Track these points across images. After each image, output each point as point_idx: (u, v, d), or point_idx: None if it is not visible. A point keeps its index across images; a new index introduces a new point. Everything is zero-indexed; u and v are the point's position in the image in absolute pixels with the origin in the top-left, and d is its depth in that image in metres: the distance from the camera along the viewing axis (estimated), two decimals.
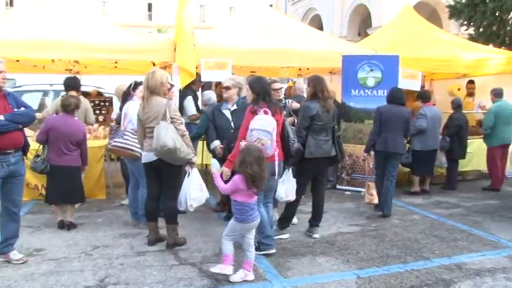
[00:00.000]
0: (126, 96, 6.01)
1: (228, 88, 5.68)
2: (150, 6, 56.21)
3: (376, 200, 6.37)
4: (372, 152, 6.59)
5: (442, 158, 7.96)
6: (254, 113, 4.58)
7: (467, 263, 4.77)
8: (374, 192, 6.38)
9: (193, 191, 4.88)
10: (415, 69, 7.86)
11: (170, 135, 4.60)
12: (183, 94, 7.07)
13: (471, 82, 9.41)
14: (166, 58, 7.19)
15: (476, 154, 8.59)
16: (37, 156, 5.58)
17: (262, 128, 4.40)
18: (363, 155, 6.77)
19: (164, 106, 4.78)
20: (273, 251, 4.83)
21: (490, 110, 8.09)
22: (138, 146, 5.30)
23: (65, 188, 5.58)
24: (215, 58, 7.20)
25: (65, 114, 5.73)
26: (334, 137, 5.40)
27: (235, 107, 5.70)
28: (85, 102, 6.88)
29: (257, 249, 4.82)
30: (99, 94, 10.12)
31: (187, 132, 4.93)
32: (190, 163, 4.89)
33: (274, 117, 4.63)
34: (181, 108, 6.86)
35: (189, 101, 7.14)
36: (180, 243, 5.07)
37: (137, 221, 5.74)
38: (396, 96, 6.47)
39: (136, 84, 5.75)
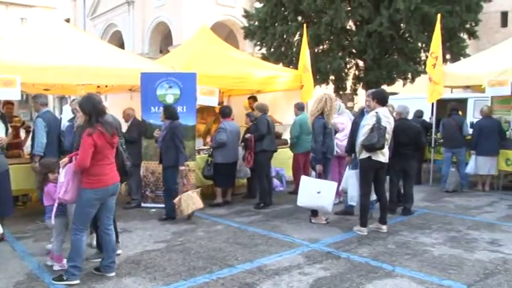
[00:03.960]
0: None
1: None
2: None
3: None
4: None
5: (246, 169, 8.37)
6: (90, 135, 4.34)
7: (267, 264, 5.11)
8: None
9: None
10: (213, 86, 8.22)
11: None
12: None
13: (252, 98, 10.06)
14: None
15: (282, 163, 9.25)
16: None
17: None
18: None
19: None
20: (77, 282, 4.55)
21: (296, 121, 8.68)
22: None
23: None
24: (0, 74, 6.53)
25: None
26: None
27: None
28: None
29: (59, 278, 4.54)
30: None
31: None
32: None
33: (114, 139, 4.56)
34: None
35: None
36: None
37: None
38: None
39: None
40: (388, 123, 6.20)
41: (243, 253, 5.52)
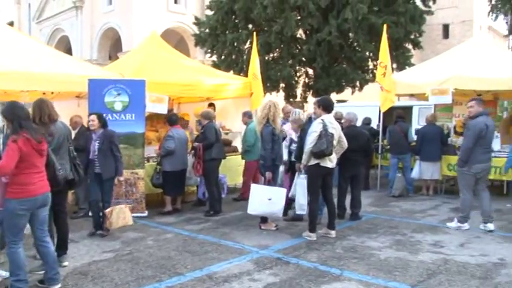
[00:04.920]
0: None
1: None
2: None
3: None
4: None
5: (195, 177, 8.33)
6: (15, 142, 4.14)
7: (217, 272, 5.10)
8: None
9: None
10: (162, 93, 8.15)
11: None
12: None
13: (211, 105, 10.17)
14: None
15: (230, 170, 9.24)
16: None
17: None
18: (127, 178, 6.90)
19: None
20: None
21: (251, 129, 8.76)
22: None
23: None
24: None
25: None
26: (70, 159, 5.25)
27: None
28: None
29: None
30: None
31: None
32: None
33: (41, 146, 4.34)
34: None
35: None
36: None
37: None
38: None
39: None
40: (334, 129, 6.34)
41: (192, 261, 5.49)
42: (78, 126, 7.91)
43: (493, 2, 17.58)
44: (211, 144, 7.86)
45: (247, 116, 9.00)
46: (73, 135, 7.57)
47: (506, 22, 18.33)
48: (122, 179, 6.82)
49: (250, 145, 8.77)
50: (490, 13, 18.19)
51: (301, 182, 6.63)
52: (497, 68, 9.60)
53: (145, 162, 8.15)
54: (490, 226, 6.88)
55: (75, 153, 5.40)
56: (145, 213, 7.77)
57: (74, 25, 33.02)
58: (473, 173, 6.87)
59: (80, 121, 7.97)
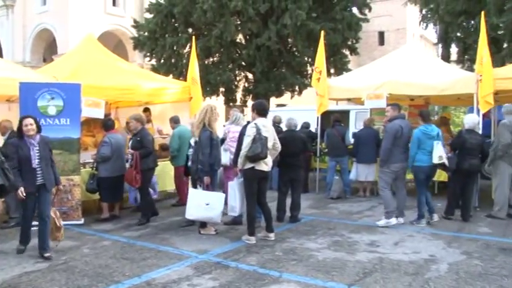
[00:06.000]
0: None
1: None
2: None
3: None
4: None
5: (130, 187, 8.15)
6: None
7: (156, 278, 5.02)
8: None
9: None
10: (98, 97, 7.94)
11: None
12: None
13: (146, 110, 10.05)
14: None
15: (161, 176, 9.11)
16: None
17: None
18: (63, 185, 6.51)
19: None
20: None
21: (174, 134, 8.79)
22: None
23: None
24: None
25: None
26: None
27: None
28: None
29: None
30: None
31: None
32: None
33: None
34: None
35: None
36: None
37: None
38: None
39: None
40: (268, 132, 6.43)
41: (130, 268, 5.37)
42: (7, 131, 7.56)
43: (423, 12, 18.44)
44: (149, 153, 7.73)
45: (173, 122, 9.00)
46: (2, 142, 7.28)
47: (436, 31, 19.23)
48: (61, 187, 6.36)
49: (174, 151, 8.75)
50: (421, 22, 19.06)
51: (232, 185, 6.68)
52: (428, 74, 10.02)
53: (82, 168, 7.92)
54: (400, 220, 7.52)
55: (3, 158, 5.10)
56: (82, 221, 7.52)
57: (4, 25, 31.59)
58: (393, 170, 7.46)
59: (10, 126, 7.60)
